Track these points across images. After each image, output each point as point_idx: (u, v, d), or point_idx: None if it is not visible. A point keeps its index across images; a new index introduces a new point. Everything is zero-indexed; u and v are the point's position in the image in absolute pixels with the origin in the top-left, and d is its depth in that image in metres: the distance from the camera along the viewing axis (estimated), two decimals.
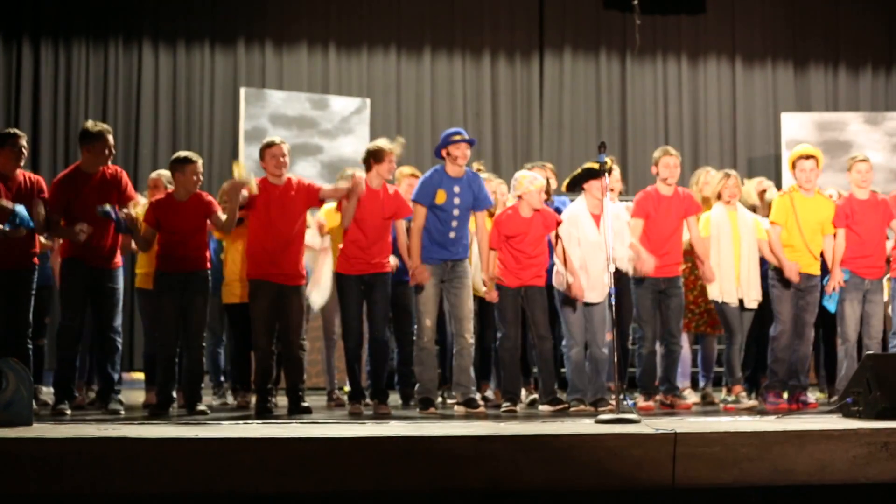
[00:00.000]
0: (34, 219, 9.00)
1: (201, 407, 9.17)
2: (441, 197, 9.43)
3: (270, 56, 15.57)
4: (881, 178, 14.76)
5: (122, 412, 9.09)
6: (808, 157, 10.16)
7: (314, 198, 9.41)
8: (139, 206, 9.76)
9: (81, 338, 9.43)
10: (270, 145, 9.40)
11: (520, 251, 9.57)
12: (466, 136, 9.60)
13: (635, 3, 15.02)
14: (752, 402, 10.01)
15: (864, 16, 16.90)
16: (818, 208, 10.14)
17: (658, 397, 10.04)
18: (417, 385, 9.58)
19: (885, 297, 10.29)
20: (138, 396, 10.94)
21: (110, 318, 9.30)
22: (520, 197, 9.61)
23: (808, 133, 15.38)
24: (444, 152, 9.55)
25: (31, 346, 9.24)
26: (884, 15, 16.86)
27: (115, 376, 9.38)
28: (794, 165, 10.20)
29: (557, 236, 9.66)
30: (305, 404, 9.18)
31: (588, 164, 9.51)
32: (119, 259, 9.42)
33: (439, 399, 10.04)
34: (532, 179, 9.63)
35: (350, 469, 6.11)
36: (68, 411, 9.02)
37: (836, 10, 16.94)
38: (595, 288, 9.49)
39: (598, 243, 9.42)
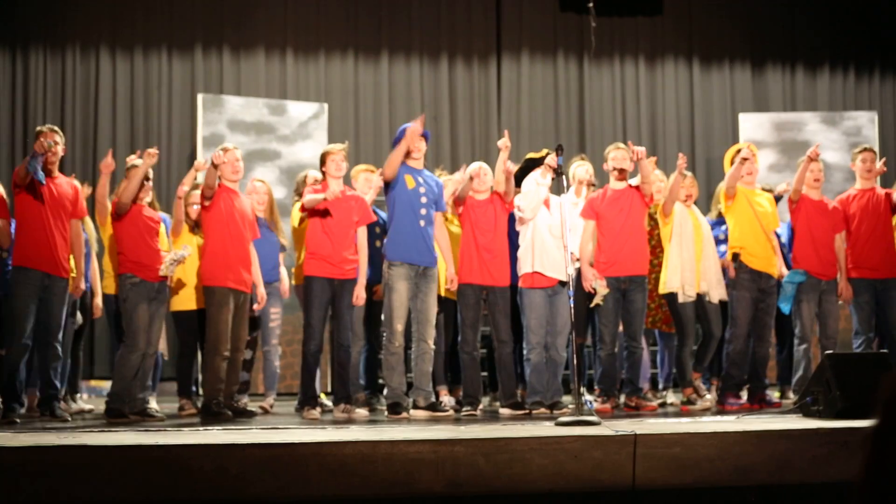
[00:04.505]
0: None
1: (152, 406, 9.33)
2: (411, 182, 9.52)
3: (228, 62, 15.49)
4: (839, 177, 14.85)
5: (70, 419, 9.04)
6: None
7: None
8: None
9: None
10: (224, 151, 9.43)
11: (479, 243, 9.61)
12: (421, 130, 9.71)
13: (591, 5, 15.01)
14: (707, 404, 10.04)
15: (821, 16, 17.00)
16: (768, 202, 10.32)
17: (621, 399, 10.08)
18: (385, 390, 9.61)
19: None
20: (97, 403, 10.94)
21: (58, 327, 9.20)
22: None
23: (766, 133, 15.46)
24: None
25: None
26: (841, 15, 16.95)
27: (59, 384, 9.36)
28: (732, 161, 10.26)
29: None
30: (251, 409, 9.69)
31: (530, 155, 9.66)
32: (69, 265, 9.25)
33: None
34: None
35: (310, 474, 6.10)
36: (18, 420, 8.87)
37: (793, 10, 17.03)
38: (556, 269, 9.56)
39: (549, 226, 9.58)
